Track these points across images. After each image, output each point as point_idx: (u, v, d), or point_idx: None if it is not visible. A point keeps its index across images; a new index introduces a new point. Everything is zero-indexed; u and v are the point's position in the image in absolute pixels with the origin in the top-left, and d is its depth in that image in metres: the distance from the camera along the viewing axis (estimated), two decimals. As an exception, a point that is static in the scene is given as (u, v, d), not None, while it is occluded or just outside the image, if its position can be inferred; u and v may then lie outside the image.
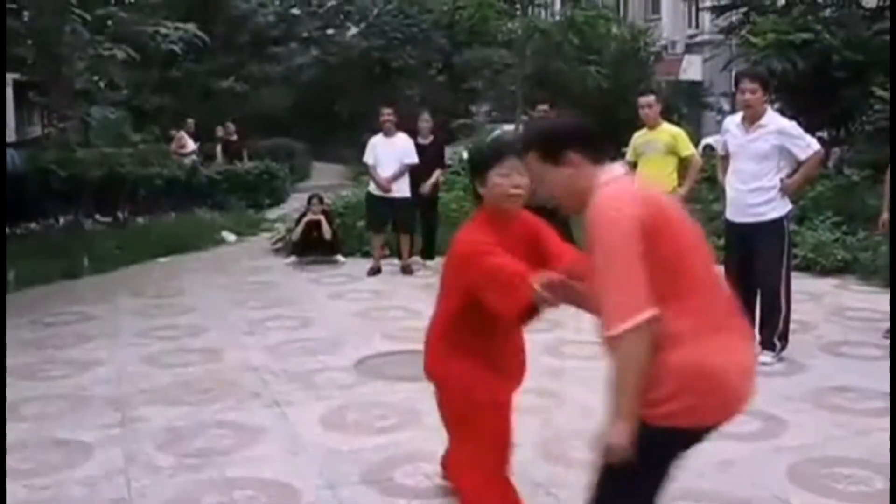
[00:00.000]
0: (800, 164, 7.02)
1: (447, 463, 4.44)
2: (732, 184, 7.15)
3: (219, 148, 20.69)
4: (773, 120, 7.02)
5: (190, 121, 20.78)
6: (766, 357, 6.90)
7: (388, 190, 11.10)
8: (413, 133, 11.65)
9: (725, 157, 7.44)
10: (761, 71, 8.76)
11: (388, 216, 11.31)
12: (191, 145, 20.23)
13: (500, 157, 3.73)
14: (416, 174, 11.42)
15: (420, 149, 11.52)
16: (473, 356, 3.92)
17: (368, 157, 11.38)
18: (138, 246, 13.02)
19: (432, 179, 11.64)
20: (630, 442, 2.78)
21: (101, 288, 10.55)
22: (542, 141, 3.12)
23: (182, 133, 20.25)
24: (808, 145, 6.94)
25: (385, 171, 11.17)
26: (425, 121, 11.83)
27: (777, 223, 6.95)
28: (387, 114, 11.33)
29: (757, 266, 7.01)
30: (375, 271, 11.19)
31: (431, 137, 11.80)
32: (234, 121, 21.45)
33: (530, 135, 3.53)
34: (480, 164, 3.78)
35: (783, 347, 7.04)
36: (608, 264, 2.75)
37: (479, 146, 4.36)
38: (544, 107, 9.87)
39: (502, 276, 3.55)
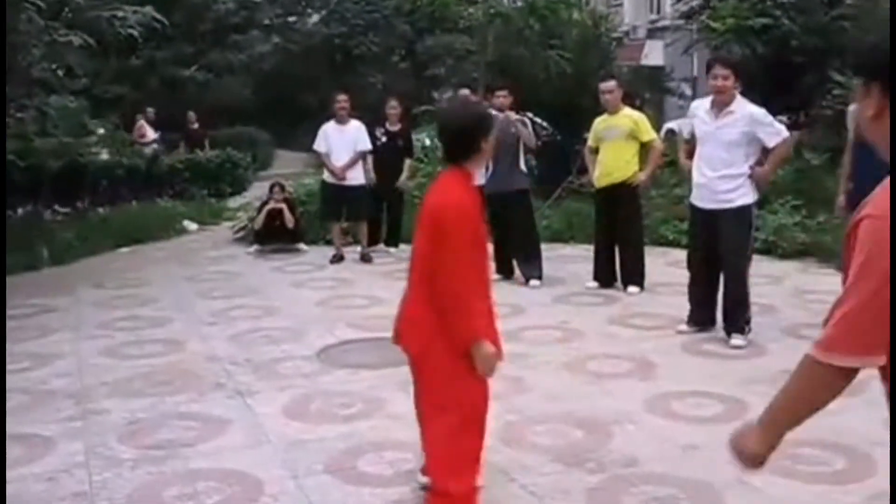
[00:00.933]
0: (767, 150, 7.05)
1: (430, 461, 4.24)
2: (701, 169, 7.16)
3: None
4: (743, 106, 7.00)
5: (150, 109, 20.57)
6: (739, 340, 7.05)
7: (342, 178, 11.05)
8: (380, 120, 11.59)
9: (689, 142, 7.47)
10: (734, 57, 8.70)
11: (343, 204, 11.24)
12: (151, 134, 20.04)
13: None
14: (386, 161, 11.37)
15: (389, 136, 11.48)
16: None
17: (320, 145, 11.28)
18: (99, 236, 12.90)
19: (406, 172, 11.63)
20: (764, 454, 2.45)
21: (62, 280, 10.45)
22: None
23: (142, 122, 20.03)
24: (777, 132, 6.97)
25: (339, 158, 11.09)
26: (393, 107, 11.72)
27: (745, 210, 6.99)
28: (342, 100, 11.22)
29: (724, 252, 7.07)
30: (338, 259, 11.15)
31: (399, 125, 11.73)
32: (196, 109, 21.27)
33: None
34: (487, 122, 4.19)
35: (749, 330, 7.18)
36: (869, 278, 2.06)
37: (480, 109, 4.54)
38: (503, 93, 9.81)
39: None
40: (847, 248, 2.14)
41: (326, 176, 11.34)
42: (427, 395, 4.25)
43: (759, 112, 7.05)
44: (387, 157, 11.39)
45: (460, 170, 4.12)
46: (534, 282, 9.57)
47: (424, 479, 4.43)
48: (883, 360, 2.08)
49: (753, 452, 2.43)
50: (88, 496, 4.60)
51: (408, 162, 11.73)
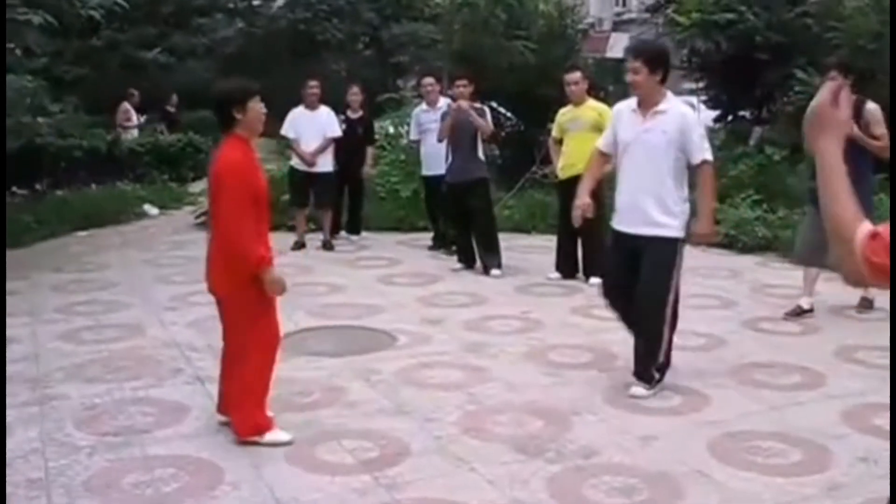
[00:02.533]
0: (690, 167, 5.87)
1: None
2: (623, 186, 5.98)
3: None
4: (675, 106, 5.88)
5: (134, 92, 20.18)
6: (641, 390, 5.80)
7: (312, 164, 10.98)
8: (342, 108, 11.53)
9: (604, 155, 6.32)
10: (648, 45, 7.47)
11: (311, 191, 11.19)
12: (135, 118, 19.73)
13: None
14: (347, 148, 11.31)
15: (349, 123, 11.42)
16: None
17: (288, 131, 11.16)
18: (57, 219, 12.72)
19: (369, 160, 11.58)
20: None
21: (19, 263, 10.29)
22: None
23: (127, 106, 19.65)
24: (703, 149, 5.84)
25: (308, 144, 11.02)
26: (354, 94, 11.65)
27: (672, 243, 5.79)
28: (314, 86, 11.14)
29: (639, 288, 5.84)
30: (300, 246, 11.10)
31: (361, 112, 11.66)
32: (159, 92, 21.00)
33: None
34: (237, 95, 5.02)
35: (661, 377, 5.92)
36: None
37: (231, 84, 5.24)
38: (462, 82, 9.82)
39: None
40: None
41: (295, 162, 11.23)
42: (233, 336, 5.09)
43: (692, 116, 6.14)
44: (348, 144, 11.31)
45: (234, 136, 4.95)
46: (495, 271, 9.59)
47: (223, 418, 5.18)
48: None
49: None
50: (44, 483, 4.54)
51: (370, 150, 11.68)
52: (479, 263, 9.78)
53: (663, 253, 5.76)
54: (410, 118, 11.00)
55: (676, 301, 5.94)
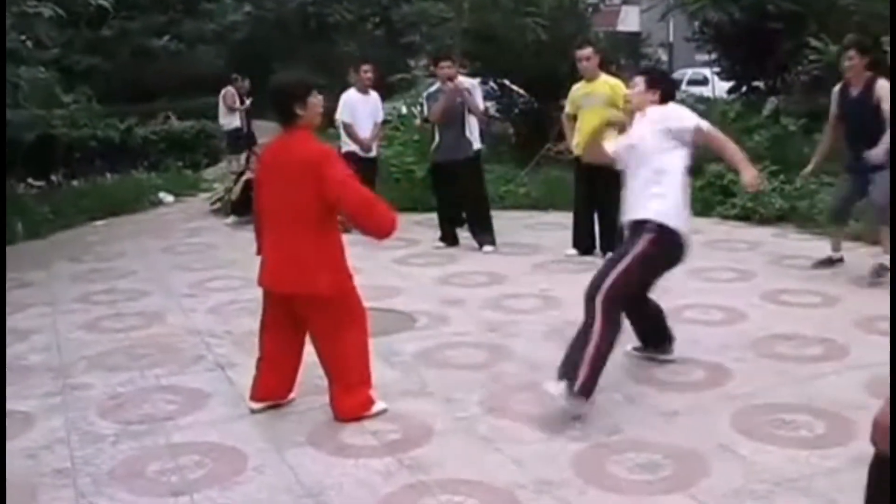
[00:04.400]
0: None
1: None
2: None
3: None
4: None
5: (238, 76, 19.63)
6: (552, 388, 5.04)
7: (368, 150, 10.90)
8: (348, 85, 11.42)
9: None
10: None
11: (364, 176, 10.97)
12: (238, 103, 19.15)
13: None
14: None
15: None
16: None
17: (344, 115, 10.84)
18: (74, 210, 12.80)
19: (378, 135, 11.41)
20: None
21: (37, 254, 10.34)
22: None
23: (232, 90, 19.06)
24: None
25: (362, 130, 10.86)
26: (366, 72, 11.28)
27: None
28: (367, 70, 10.94)
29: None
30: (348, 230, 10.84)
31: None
32: (169, 79, 20.98)
33: None
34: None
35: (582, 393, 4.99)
36: None
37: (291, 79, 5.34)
38: (447, 63, 9.81)
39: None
40: None
41: (354, 147, 10.86)
42: (336, 333, 5.08)
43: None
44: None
45: (300, 129, 5.01)
46: (487, 247, 9.68)
47: (257, 405, 5.28)
48: None
49: None
50: (70, 472, 4.57)
51: (377, 127, 11.41)
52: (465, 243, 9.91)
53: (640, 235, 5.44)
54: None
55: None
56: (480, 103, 9.96)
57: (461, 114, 9.70)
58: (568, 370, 5.03)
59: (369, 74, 10.97)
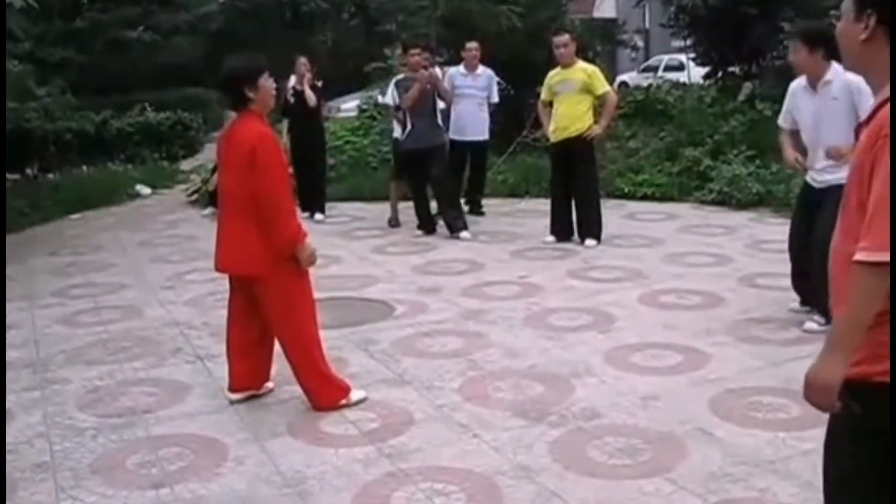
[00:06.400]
0: None
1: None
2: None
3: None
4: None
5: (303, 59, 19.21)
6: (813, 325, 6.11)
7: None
8: (326, 79, 11.34)
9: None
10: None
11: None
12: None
13: None
14: (300, 123, 11.12)
15: (298, 95, 11.10)
16: None
17: (389, 98, 10.52)
18: (50, 203, 12.72)
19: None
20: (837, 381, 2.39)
21: (13, 248, 10.27)
22: None
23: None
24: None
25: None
26: (303, 65, 11.20)
27: None
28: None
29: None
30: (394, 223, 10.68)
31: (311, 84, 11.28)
32: (144, 71, 20.78)
33: None
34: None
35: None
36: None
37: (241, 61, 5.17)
38: (416, 51, 9.85)
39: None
40: (867, 163, 2.32)
41: (399, 133, 10.33)
42: (277, 314, 5.07)
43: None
44: (299, 118, 11.12)
45: (250, 112, 4.97)
46: (464, 234, 9.67)
47: (236, 396, 5.27)
48: None
49: (825, 382, 2.40)
50: (50, 466, 4.56)
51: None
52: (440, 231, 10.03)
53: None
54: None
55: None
56: (449, 91, 10.05)
57: (432, 102, 9.77)
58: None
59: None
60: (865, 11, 2.39)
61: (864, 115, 3.39)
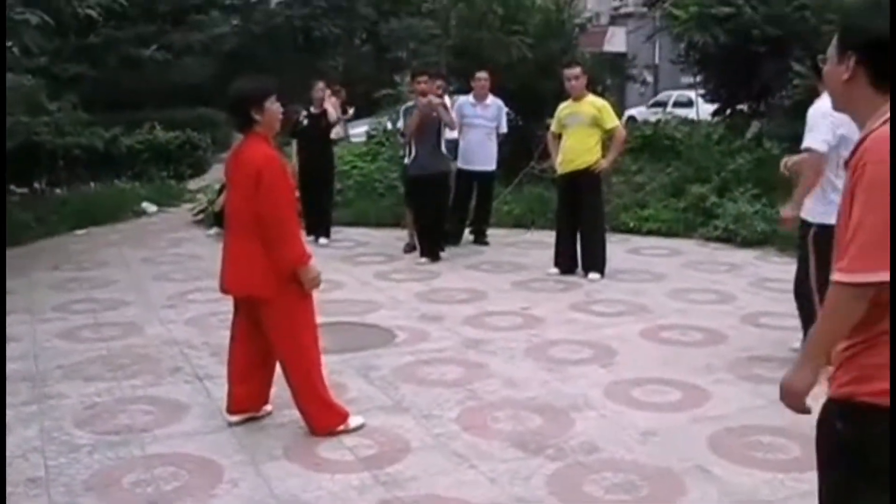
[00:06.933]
0: None
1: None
2: None
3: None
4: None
5: (341, 88, 19.16)
6: None
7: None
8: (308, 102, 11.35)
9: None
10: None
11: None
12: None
13: None
14: (310, 147, 11.13)
15: (312, 118, 11.20)
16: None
17: (400, 124, 10.73)
18: (56, 218, 12.75)
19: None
20: (807, 390, 2.60)
21: (18, 261, 10.28)
22: None
23: (335, 100, 18.38)
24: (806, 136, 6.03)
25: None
26: (320, 89, 11.39)
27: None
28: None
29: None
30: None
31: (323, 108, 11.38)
32: (157, 89, 20.86)
33: None
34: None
35: None
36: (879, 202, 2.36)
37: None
38: (423, 78, 9.92)
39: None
40: (848, 194, 2.45)
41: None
42: (279, 337, 5.06)
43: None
44: (311, 141, 11.14)
45: (256, 135, 4.97)
46: (423, 259, 10.00)
47: (234, 418, 5.25)
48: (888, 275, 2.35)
49: (797, 389, 2.62)
50: (44, 482, 4.54)
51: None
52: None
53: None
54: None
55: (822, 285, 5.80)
56: (453, 120, 10.19)
57: (437, 130, 9.84)
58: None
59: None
60: (846, 53, 2.52)
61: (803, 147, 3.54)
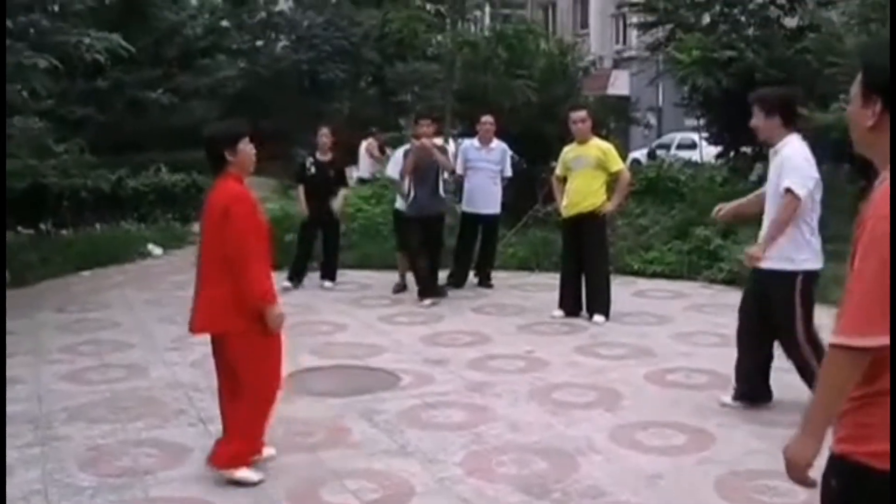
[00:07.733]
0: None
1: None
2: None
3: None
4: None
5: (375, 130, 19.09)
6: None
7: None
8: (352, 148, 11.47)
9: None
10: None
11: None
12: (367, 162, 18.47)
13: None
14: (317, 192, 11.06)
15: (319, 165, 11.14)
16: None
17: (390, 168, 11.13)
18: (61, 259, 12.77)
19: (340, 199, 11.24)
20: (811, 459, 2.54)
21: (23, 302, 10.30)
22: None
23: (374, 141, 18.45)
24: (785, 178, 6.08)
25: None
26: (325, 135, 11.25)
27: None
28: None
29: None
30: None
31: (331, 154, 11.27)
32: (162, 132, 21.03)
33: None
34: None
35: None
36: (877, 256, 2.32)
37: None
38: (425, 122, 10.07)
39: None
40: (853, 247, 2.40)
41: (400, 205, 10.69)
42: (237, 373, 5.04)
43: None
44: (318, 188, 11.08)
45: (229, 175, 5.05)
46: (426, 301, 10.03)
47: (272, 451, 5.27)
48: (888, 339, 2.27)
49: (798, 462, 2.54)
50: (46, 525, 4.53)
51: (342, 192, 11.36)
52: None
53: None
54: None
55: (808, 331, 6.08)
56: (451, 163, 10.45)
57: (435, 172, 10.00)
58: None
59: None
60: (871, 97, 2.41)
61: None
